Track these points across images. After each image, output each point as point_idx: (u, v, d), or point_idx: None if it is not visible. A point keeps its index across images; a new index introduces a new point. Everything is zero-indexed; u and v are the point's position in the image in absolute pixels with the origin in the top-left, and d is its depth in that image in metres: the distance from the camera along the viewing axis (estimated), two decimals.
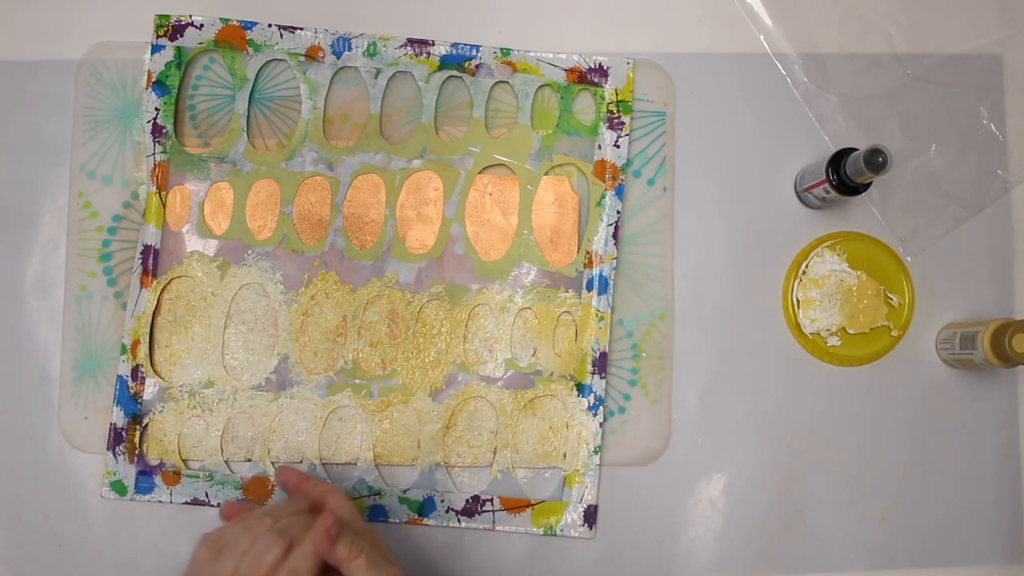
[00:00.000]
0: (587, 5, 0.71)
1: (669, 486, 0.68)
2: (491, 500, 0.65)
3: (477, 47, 0.68)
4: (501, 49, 0.68)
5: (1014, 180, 0.71)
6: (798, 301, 0.69)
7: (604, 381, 0.66)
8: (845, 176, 0.63)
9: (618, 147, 0.68)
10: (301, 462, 0.65)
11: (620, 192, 0.68)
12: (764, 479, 0.69)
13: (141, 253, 0.65)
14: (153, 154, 0.66)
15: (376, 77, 0.68)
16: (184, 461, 0.65)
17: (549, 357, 0.67)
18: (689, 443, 0.69)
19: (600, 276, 0.67)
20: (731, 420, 0.69)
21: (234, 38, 0.67)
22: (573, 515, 0.65)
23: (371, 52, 0.67)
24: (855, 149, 0.62)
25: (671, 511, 0.68)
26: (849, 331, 0.69)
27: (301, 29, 0.67)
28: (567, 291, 0.67)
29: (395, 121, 0.68)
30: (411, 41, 0.67)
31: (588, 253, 0.67)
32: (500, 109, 0.69)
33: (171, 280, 0.66)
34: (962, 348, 0.67)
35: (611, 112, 0.68)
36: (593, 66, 0.68)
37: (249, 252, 0.66)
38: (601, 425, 0.66)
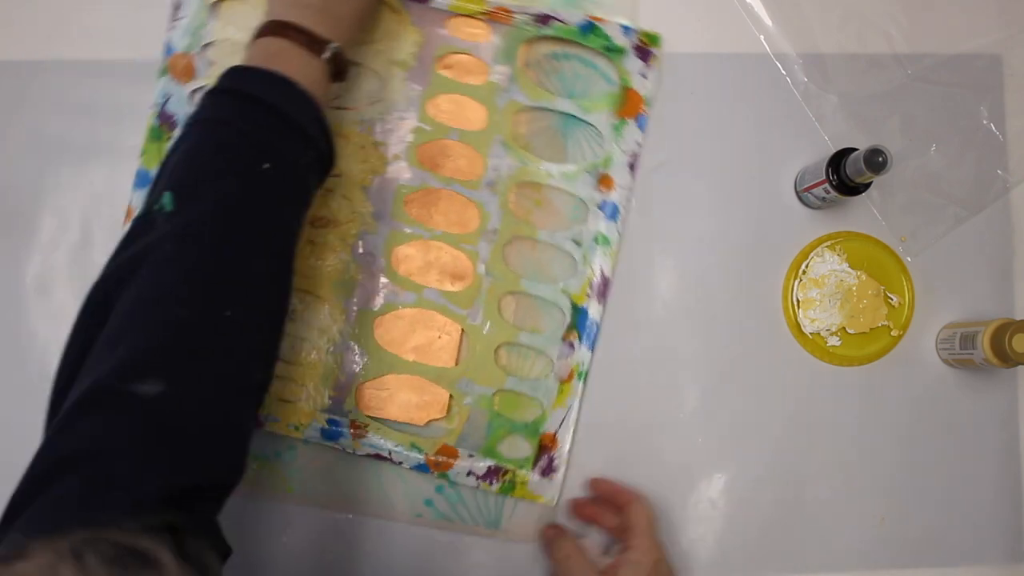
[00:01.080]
0: (587, 4, 0.69)
1: (670, 486, 0.65)
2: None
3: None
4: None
5: (1014, 180, 0.70)
6: (798, 301, 0.68)
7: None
8: (845, 176, 0.63)
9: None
10: None
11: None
12: (764, 479, 0.67)
13: None
14: None
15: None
16: None
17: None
18: (689, 443, 0.66)
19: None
20: (731, 420, 0.67)
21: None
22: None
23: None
24: (855, 149, 0.62)
25: (671, 511, 0.65)
26: (849, 331, 0.68)
27: None
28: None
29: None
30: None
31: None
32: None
33: None
34: (962, 348, 0.65)
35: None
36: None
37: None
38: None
